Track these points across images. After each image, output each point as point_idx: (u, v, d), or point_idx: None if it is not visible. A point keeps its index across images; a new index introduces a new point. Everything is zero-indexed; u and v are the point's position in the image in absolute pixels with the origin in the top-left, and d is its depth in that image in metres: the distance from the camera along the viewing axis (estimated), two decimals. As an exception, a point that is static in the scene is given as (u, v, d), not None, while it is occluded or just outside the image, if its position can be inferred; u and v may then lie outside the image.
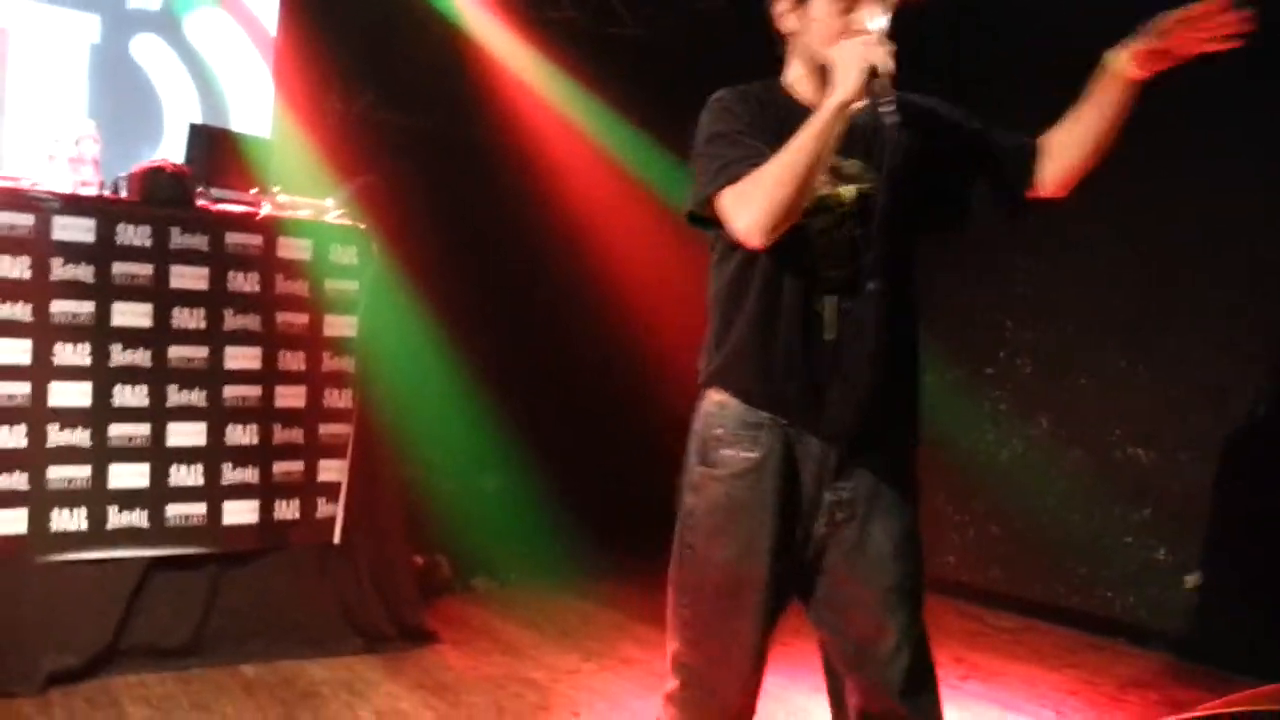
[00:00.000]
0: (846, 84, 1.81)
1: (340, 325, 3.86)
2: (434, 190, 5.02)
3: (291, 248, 3.76)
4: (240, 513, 3.65)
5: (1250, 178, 4.08)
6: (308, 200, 3.92)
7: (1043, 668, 4.07)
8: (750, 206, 1.86)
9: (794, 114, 1.93)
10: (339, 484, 3.83)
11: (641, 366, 5.36)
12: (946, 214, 2.07)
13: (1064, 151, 1.95)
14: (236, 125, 4.45)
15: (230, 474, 3.63)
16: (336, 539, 3.82)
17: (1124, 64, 1.83)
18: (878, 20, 1.90)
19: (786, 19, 2.02)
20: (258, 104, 4.58)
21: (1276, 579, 3.97)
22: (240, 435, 3.65)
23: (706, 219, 1.99)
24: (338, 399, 3.84)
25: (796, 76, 2.05)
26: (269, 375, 3.71)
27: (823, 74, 1.93)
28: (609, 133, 5.27)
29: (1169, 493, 4.35)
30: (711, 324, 2.09)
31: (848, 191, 1.97)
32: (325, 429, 3.82)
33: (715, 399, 2.06)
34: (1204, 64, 1.82)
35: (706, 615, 2.05)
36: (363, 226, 3.97)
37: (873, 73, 1.80)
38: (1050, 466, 4.70)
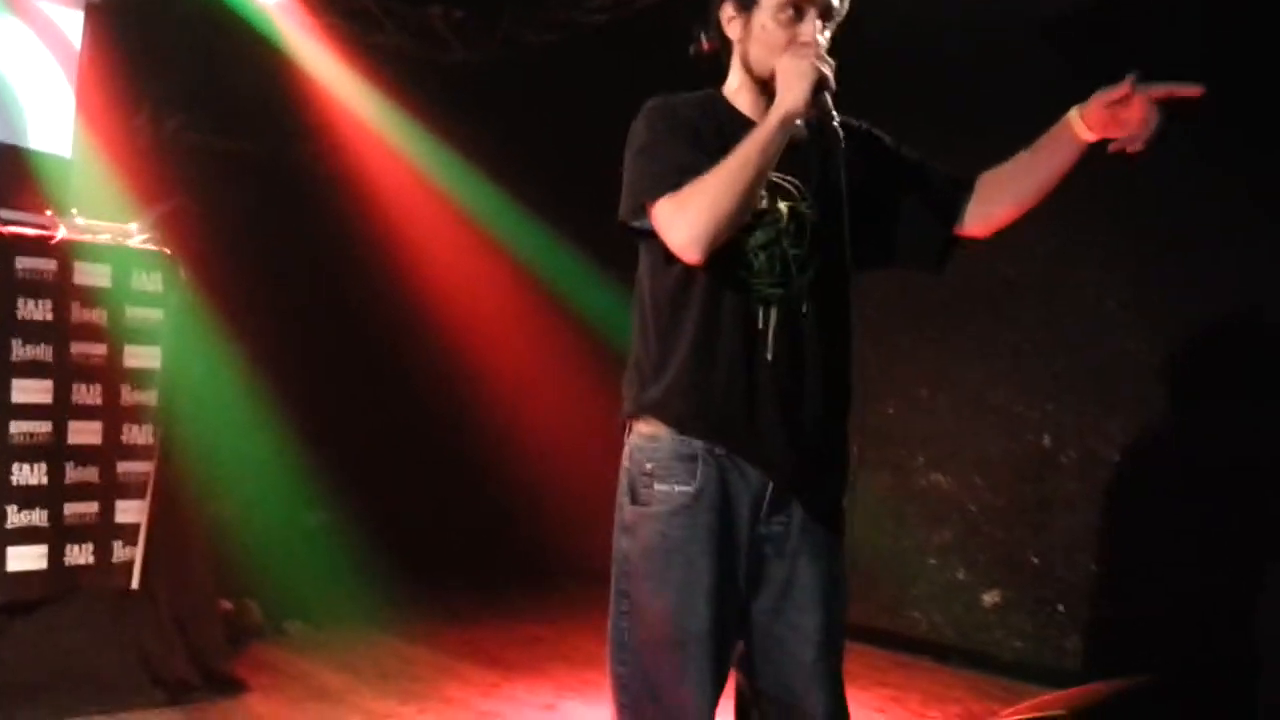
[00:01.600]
0: (794, 95, 1.78)
1: (142, 356, 3.64)
2: (249, 216, 4.84)
3: (89, 274, 3.52)
4: (27, 558, 3.36)
5: (1045, 219, 4.39)
6: (109, 224, 3.70)
7: (854, 687, 4.13)
8: (690, 217, 1.79)
9: (735, 124, 1.90)
10: (138, 525, 3.59)
11: (463, 397, 5.29)
12: (877, 242, 2.04)
13: (998, 195, 1.97)
14: (34, 142, 4.15)
15: (15, 517, 3.34)
16: (135, 584, 3.58)
17: (1077, 121, 1.84)
18: (822, 34, 1.89)
19: (732, 25, 1.98)
20: (58, 121, 4.29)
21: (1063, 595, 4.27)
22: (28, 475, 3.37)
23: (638, 229, 1.92)
24: (138, 435, 3.61)
25: (737, 86, 2.01)
26: (61, 410, 3.45)
27: (764, 85, 1.92)
28: (434, 160, 5.20)
29: (967, 515, 4.62)
30: (641, 347, 1.98)
31: (785, 207, 1.92)
32: (124, 467, 3.58)
33: (645, 431, 1.95)
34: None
35: (648, 673, 1.89)
36: (169, 252, 3.77)
37: (819, 85, 1.79)
38: (861, 491, 4.91)
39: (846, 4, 1.94)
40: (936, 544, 4.69)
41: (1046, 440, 4.41)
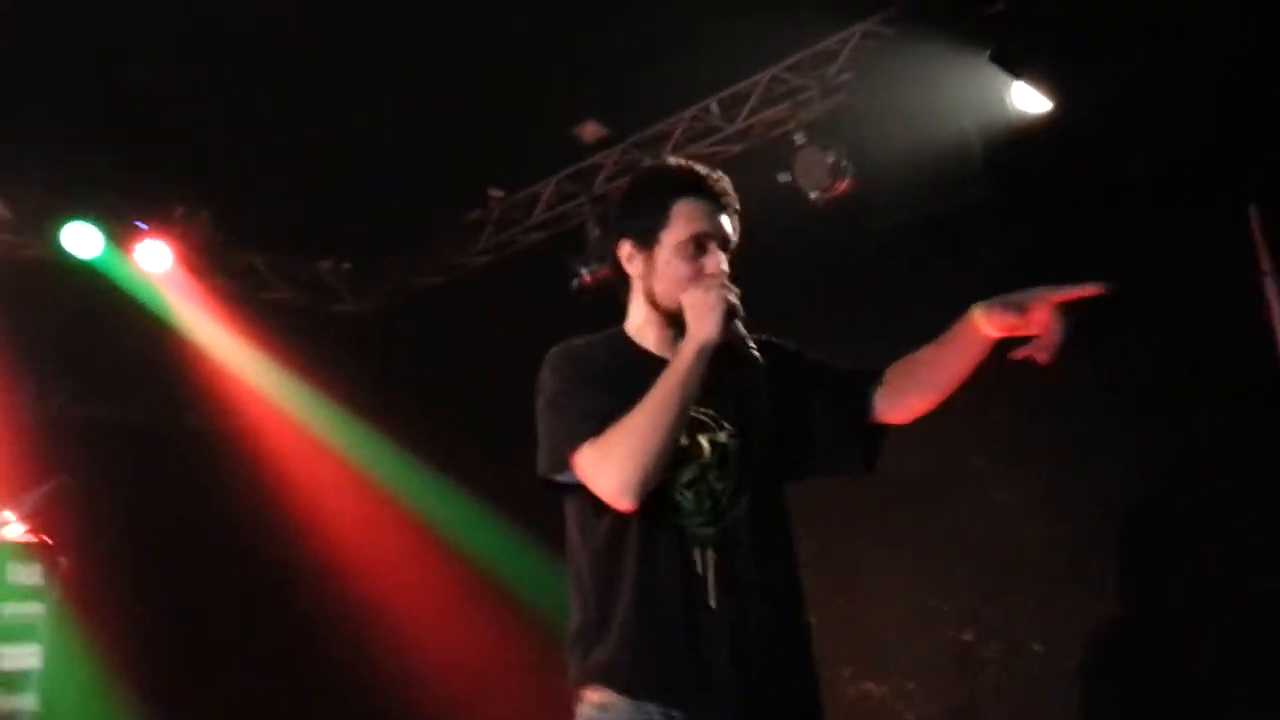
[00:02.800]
0: (707, 326, 1.79)
1: (19, 657, 3.44)
2: (137, 490, 4.69)
3: (-41, 575, 3.37)
4: None
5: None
6: (-17, 518, 3.56)
7: None
8: (618, 463, 1.74)
9: (643, 363, 1.88)
10: None
11: (372, 671, 4.98)
12: (801, 453, 1.98)
13: (910, 385, 1.95)
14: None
15: None
16: None
17: (981, 320, 1.82)
18: (723, 263, 1.91)
19: (632, 263, 1.96)
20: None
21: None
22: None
23: (559, 484, 1.85)
24: (12, 746, 3.37)
25: (641, 322, 1.99)
26: (-75, 729, 3.21)
27: (670, 319, 1.92)
28: (328, 417, 5.13)
29: (904, 724, 4.51)
30: (580, 608, 1.88)
31: (705, 440, 1.87)
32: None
33: (595, 700, 1.82)
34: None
35: None
36: (48, 540, 3.63)
37: (730, 314, 1.81)
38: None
39: (738, 231, 1.97)
40: (878, 758, 4.55)
41: (968, 635, 4.39)
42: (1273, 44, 2.77)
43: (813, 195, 3.95)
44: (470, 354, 5.18)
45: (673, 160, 2.05)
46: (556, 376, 1.90)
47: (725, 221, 1.95)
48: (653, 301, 1.96)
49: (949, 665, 4.38)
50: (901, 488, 4.57)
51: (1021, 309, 1.79)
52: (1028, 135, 3.44)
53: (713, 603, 1.80)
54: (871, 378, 1.97)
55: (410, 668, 4.90)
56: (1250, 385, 3.45)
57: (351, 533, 5.08)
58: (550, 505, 2.01)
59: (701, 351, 1.79)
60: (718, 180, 1.96)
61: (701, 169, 1.98)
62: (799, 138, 3.97)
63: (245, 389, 5.08)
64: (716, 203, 1.94)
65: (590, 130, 4.50)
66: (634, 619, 1.80)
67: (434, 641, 4.94)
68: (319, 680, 4.91)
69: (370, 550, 5.09)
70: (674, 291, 1.90)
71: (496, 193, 5.06)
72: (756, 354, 1.85)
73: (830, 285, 4.36)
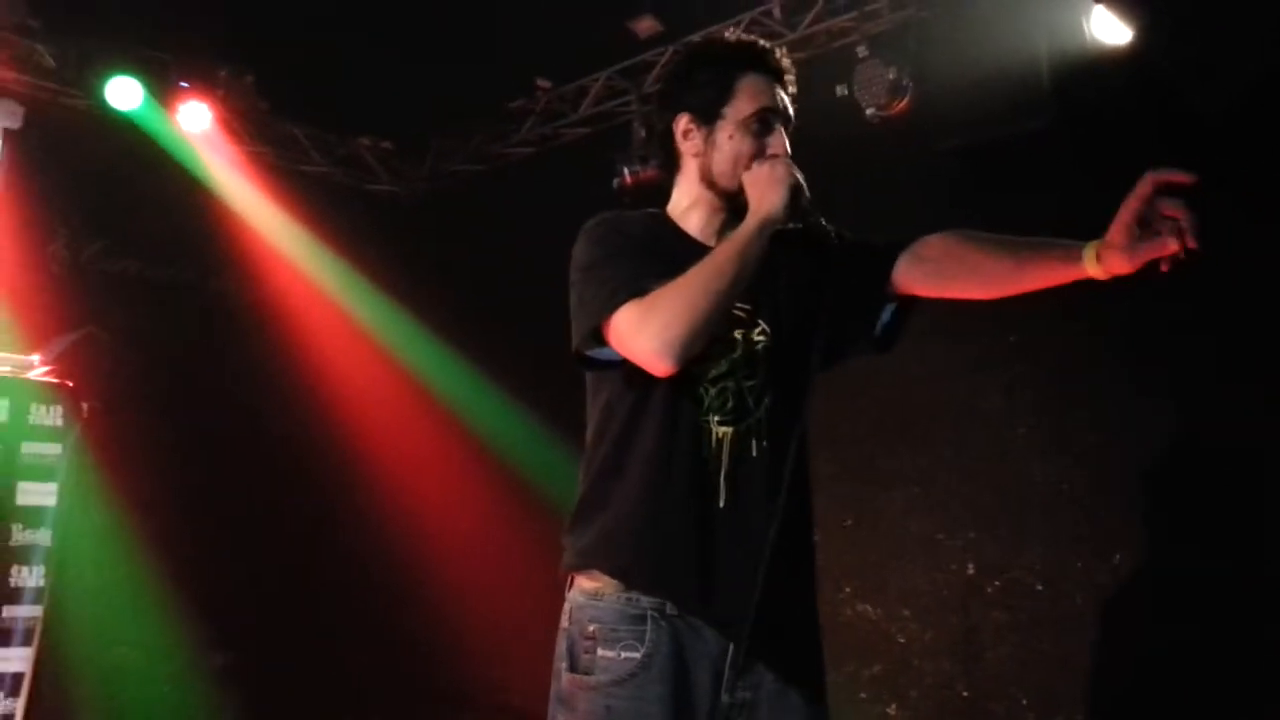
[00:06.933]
0: (773, 200, 1.71)
1: (37, 493, 3.50)
2: (163, 347, 4.71)
3: (-20, 408, 3.40)
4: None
5: (951, 346, 4.47)
6: (10, 355, 3.59)
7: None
8: (662, 320, 1.63)
9: (686, 247, 1.78)
10: (23, 675, 3.39)
11: (379, 533, 5.08)
12: (837, 342, 1.85)
13: (961, 271, 1.77)
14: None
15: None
16: (16, 740, 3.36)
17: (1092, 261, 1.58)
18: (786, 143, 1.82)
19: (689, 139, 1.86)
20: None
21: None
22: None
23: (592, 361, 1.75)
24: (27, 577, 3.44)
25: (688, 206, 1.89)
26: (-57, 553, 3.29)
27: (725, 201, 1.83)
28: (358, 293, 5.13)
29: (895, 647, 4.56)
30: (586, 490, 1.80)
31: (740, 336, 1.78)
32: (9, 612, 3.39)
33: (587, 586, 1.75)
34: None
35: None
36: (71, 384, 3.65)
37: (796, 192, 1.73)
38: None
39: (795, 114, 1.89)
40: (867, 678, 4.60)
41: (970, 569, 4.40)
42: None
43: (869, 112, 3.85)
44: (505, 246, 5.14)
45: (731, 34, 1.99)
46: (595, 246, 1.80)
47: (787, 100, 1.87)
48: (708, 181, 1.86)
49: (948, 597, 4.40)
50: (919, 420, 4.56)
51: (1132, 221, 1.51)
52: (1101, 66, 3.32)
53: (722, 502, 1.73)
54: (900, 245, 1.83)
55: (423, 545, 4.98)
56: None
57: (370, 408, 5.09)
58: (577, 399, 1.96)
59: (764, 226, 1.71)
60: (782, 57, 1.88)
61: (765, 43, 1.90)
62: (861, 50, 3.85)
63: (275, 257, 5.06)
64: (780, 80, 1.87)
65: (645, 25, 4.38)
66: (639, 504, 1.73)
67: (449, 524, 5.01)
68: (329, 549, 5.00)
69: (387, 428, 5.13)
70: (734, 170, 1.81)
71: (544, 83, 4.96)
72: (826, 224, 1.74)
73: (880, 204, 4.28)
